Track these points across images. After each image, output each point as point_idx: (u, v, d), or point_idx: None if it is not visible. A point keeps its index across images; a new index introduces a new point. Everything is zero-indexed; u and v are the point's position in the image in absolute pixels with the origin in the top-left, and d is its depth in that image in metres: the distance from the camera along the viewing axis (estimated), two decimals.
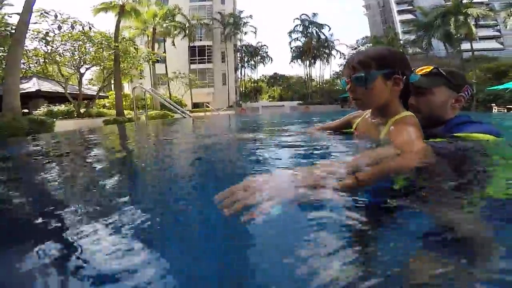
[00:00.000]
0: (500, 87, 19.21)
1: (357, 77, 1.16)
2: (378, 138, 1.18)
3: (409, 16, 46.30)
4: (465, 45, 27.11)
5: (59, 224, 0.56)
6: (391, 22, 51.95)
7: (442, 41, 27.08)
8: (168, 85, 30.12)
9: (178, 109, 14.02)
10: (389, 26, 45.74)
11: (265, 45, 46.29)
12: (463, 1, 24.55)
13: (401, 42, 35.37)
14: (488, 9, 25.18)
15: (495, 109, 19.40)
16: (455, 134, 1.21)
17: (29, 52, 12.04)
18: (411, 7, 47.47)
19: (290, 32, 42.41)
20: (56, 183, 0.97)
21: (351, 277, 0.37)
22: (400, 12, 51.36)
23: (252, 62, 46.68)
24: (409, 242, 0.48)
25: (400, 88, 1.18)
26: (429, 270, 0.40)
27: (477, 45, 28.66)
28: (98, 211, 0.64)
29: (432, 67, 1.37)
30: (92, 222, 0.56)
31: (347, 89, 1.20)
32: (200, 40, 39.07)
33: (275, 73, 54.80)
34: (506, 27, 23.32)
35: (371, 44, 38.94)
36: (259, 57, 45.98)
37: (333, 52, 43.76)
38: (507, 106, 18.84)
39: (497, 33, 41.98)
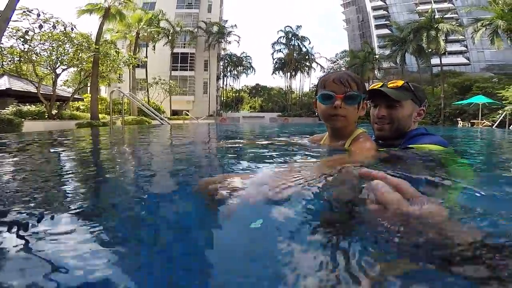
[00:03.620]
0: (465, 102, 20.21)
1: (353, 95, 1.22)
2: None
3: (386, 31, 48.15)
4: (435, 60, 28.44)
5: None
6: (369, 37, 53.84)
7: (414, 55, 28.31)
8: (147, 91, 29.61)
9: (157, 116, 13.86)
10: (366, 41, 47.25)
11: (248, 56, 46.71)
12: (435, 17, 25.89)
13: (377, 56, 36.49)
14: (457, 24, 26.67)
15: (460, 123, 20.39)
16: (408, 146, 1.30)
17: (4, 49, 11.52)
18: (387, 22, 49.05)
19: (273, 44, 43.10)
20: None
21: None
22: (377, 26, 53.20)
23: (235, 72, 46.84)
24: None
25: (364, 112, 1.31)
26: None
27: (445, 60, 29.97)
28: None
29: (403, 82, 1.44)
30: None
31: (335, 105, 1.22)
32: (184, 47, 38.89)
33: (257, 84, 55.35)
34: (473, 42, 24.61)
35: (349, 58, 40.09)
36: (242, 67, 46.24)
37: (313, 65, 44.69)
38: (471, 121, 19.93)
39: (464, 48, 44.15)
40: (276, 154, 1.43)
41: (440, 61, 26.45)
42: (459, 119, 21.30)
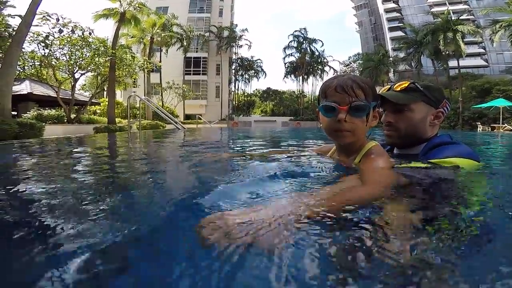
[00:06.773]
0: (484, 105, 19.58)
1: (360, 105, 1.00)
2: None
3: (399, 33, 47.06)
4: (452, 63, 27.44)
5: None
6: (382, 39, 53.11)
7: (430, 58, 27.44)
8: (162, 95, 29.98)
9: (173, 120, 13.93)
10: (380, 43, 46.40)
11: (259, 59, 46.50)
12: (452, 18, 25.15)
13: (391, 59, 35.56)
14: (475, 25, 25.88)
15: (480, 128, 19.75)
16: (431, 160, 1.09)
17: (25, 54, 11.77)
18: (401, 24, 47.80)
19: (284, 48, 42.82)
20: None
21: None
22: (390, 29, 52.33)
23: (246, 76, 46.81)
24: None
25: (376, 122, 1.11)
26: None
27: (462, 62, 28.72)
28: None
29: (409, 82, 1.28)
30: None
31: (339, 118, 1.01)
32: (196, 51, 39.27)
33: (268, 88, 55.26)
34: (492, 44, 23.87)
35: (362, 61, 39.41)
36: (253, 71, 46.15)
37: (326, 68, 43.69)
38: (491, 125, 19.32)
39: (482, 50, 42.81)
40: (281, 174, 1.11)
41: (458, 63, 25.72)
42: (479, 123, 20.63)
